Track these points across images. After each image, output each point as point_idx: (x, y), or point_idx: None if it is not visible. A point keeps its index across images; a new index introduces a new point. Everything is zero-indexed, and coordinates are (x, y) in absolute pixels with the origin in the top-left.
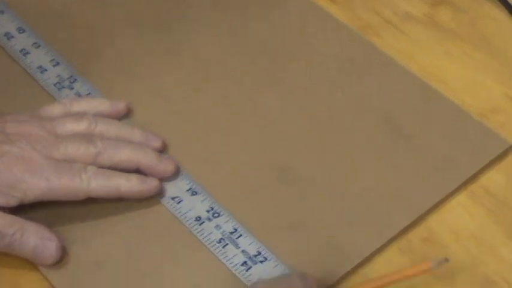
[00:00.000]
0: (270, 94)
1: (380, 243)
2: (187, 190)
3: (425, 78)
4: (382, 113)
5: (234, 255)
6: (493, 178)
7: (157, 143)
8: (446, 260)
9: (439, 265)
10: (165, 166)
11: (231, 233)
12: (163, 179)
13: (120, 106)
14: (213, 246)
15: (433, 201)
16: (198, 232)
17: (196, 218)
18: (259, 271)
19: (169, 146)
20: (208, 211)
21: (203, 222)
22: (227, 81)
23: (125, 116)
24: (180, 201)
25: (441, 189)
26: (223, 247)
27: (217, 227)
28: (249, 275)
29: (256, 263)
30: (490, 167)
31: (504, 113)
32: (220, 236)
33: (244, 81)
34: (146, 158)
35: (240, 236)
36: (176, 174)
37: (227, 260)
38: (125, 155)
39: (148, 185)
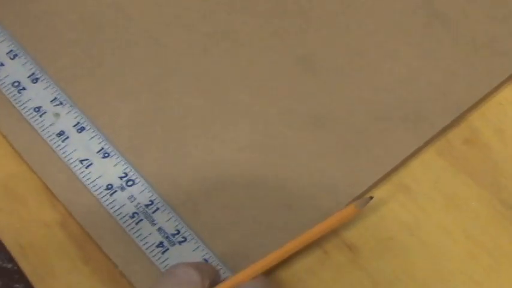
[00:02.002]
0: None
1: (416, 145)
2: (98, 151)
3: None
4: None
5: (149, 234)
6: None
7: None
8: (371, 198)
9: (364, 204)
10: None
11: (147, 205)
12: None
13: None
14: (125, 222)
15: (476, 97)
16: (108, 204)
17: (107, 186)
18: (176, 254)
19: None
20: (121, 177)
21: (115, 191)
22: None
23: None
24: (89, 165)
25: (486, 83)
26: (136, 223)
27: (131, 198)
28: (166, 258)
29: (174, 244)
30: None
31: None
32: (134, 210)
33: None
34: None
35: (157, 209)
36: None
37: (141, 240)
38: None
39: None
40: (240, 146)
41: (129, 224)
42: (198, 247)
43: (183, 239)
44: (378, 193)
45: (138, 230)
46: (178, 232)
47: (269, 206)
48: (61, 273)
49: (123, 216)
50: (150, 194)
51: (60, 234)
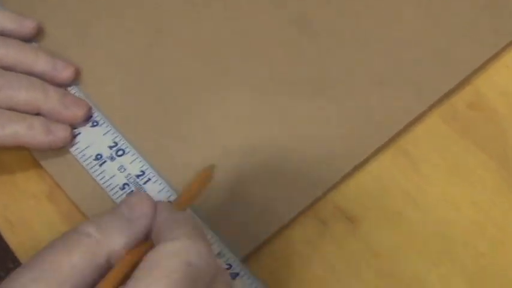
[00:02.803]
0: None
1: (419, 110)
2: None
3: None
4: None
5: None
6: None
7: (67, 73)
8: (212, 166)
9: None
10: (73, 112)
11: (138, 176)
12: (72, 126)
13: (28, 24)
14: (115, 193)
15: (481, 60)
16: (98, 175)
17: (96, 156)
18: None
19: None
20: (111, 147)
21: (104, 161)
22: None
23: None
24: (77, 134)
25: (491, 45)
26: (127, 195)
27: (121, 168)
28: None
29: None
30: None
31: None
32: (124, 181)
33: None
34: (48, 102)
35: (148, 180)
36: (88, 117)
37: None
38: (22, 97)
39: (54, 136)
40: (235, 114)
41: (120, 196)
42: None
43: None
44: (380, 161)
45: None
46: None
47: (267, 176)
48: None
49: (113, 188)
50: (141, 164)
51: (48, 207)
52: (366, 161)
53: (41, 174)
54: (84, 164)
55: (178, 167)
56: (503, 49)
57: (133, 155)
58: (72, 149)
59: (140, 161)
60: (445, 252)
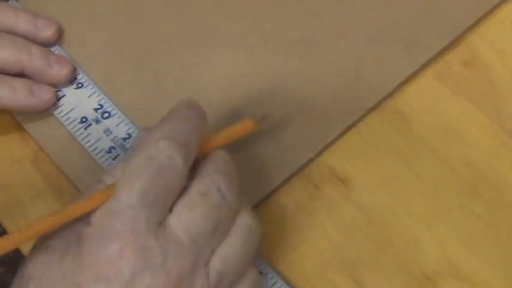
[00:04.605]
0: None
1: (412, 69)
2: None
3: None
4: None
5: None
6: None
7: (49, 31)
8: (265, 117)
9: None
10: (58, 70)
11: (124, 139)
12: (56, 86)
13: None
14: (101, 157)
15: (475, 16)
16: (83, 138)
17: (81, 119)
18: None
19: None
20: (96, 110)
21: (90, 124)
22: None
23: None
24: (62, 97)
25: (486, 1)
26: (113, 159)
27: (107, 131)
28: None
29: None
30: None
31: None
32: (110, 144)
33: None
34: (32, 61)
35: None
36: (73, 77)
37: None
38: (5, 56)
39: (38, 98)
40: (220, 73)
41: (106, 160)
42: None
43: None
44: (372, 121)
45: None
46: None
47: (256, 139)
48: (33, 214)
49: (99, 151)
50: (128, 127)
51: (32, 171)
52: (358, 121)
53: (25, 137)
54: (69, 127)
55: None
56: (498, 5)
57: (119, 117)
58: (56, 112)
59: (126, 124)
60: (440, 215)
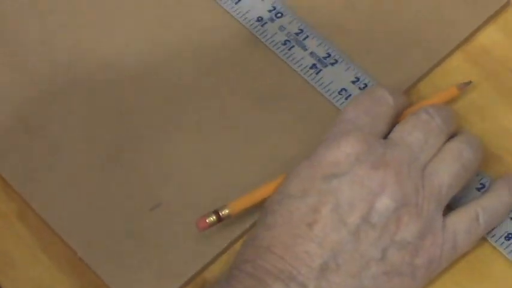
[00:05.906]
0: None
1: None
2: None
3: None
4: None
5: (302, 58)
6: None
7: None
8: (470, 82)
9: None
10: None
11: (297, 34)
12: None
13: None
14: (278, 48)
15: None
16: (260, 34)
17: (257, 18)
18: (330, 74)
19: None
20: (270, 11)
21: (265, 23)
22: None
23: None
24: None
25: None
26: (289, 49)
27: (281, 28)
28: (320, 78)
29: (326, 66)
30: None
31: None
32: (285, 38)
33: None
34: None
35: (307, 37)
36: None
37: (295, 63)
38: None
39: None
40: None
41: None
42: (349, 67)
43: (334, 61)
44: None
45: (291, 54)
46: (329, 55)
47: None
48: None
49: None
50: (299, 24)
51: (18, 225)
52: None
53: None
54: (247, 25)
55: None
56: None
57: (291, 16)
58: (233, 12)
59: (297, 22)
60: None
